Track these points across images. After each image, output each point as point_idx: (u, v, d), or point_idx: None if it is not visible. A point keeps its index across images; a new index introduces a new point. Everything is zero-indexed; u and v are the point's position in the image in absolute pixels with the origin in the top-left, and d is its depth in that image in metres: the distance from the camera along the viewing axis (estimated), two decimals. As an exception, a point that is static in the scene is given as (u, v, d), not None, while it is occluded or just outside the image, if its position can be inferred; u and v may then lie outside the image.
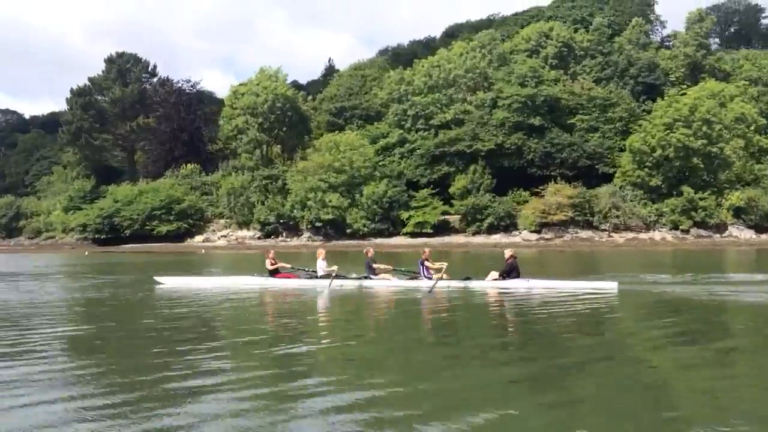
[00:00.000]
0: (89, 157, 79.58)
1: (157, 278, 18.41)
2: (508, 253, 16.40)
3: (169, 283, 18.08)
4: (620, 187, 47.29)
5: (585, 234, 45.99)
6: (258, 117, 62.68)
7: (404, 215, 52.24)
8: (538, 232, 46.98)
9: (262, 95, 62.67)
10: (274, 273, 17.43)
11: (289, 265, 18.41)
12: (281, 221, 55.24)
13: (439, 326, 10.58)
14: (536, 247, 44.12)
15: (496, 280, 15.67)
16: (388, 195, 51.87)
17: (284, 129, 64.52)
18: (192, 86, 76.37)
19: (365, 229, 51.69)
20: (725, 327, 10.22)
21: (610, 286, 14.71)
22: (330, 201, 51.51)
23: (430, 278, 15.96)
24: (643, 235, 44.41)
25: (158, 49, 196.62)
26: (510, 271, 15.70)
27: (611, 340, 8.94)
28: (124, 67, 78.47)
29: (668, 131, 44.64)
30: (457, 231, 52.19)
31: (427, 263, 16.47)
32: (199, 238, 59.40)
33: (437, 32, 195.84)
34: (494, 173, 52.77)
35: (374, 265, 16.98)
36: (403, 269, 17.72)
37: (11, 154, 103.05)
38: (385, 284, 16.41)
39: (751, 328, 9.70)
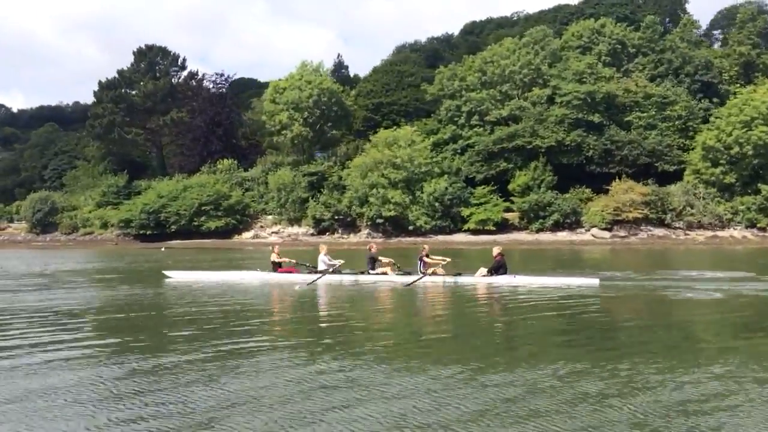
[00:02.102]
0: (116, 152, 78.04)
1: (166, 272, 19.71)
2: (496, 251, 17.56)
3: (177, 276, 19.32)
4: (693, 185, 47.13)
5: (659, 232, 45.80)
6: (302, 112, 61.73)
7: (465, 212, 51.73)
8: (609, 229, 46.71)
9: (306, 90, 61.75)
10: (277, 267, 18.74)
11: (294, 261, 19.73)
12: (337, 218, 54.43)
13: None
14: (609, 245, 43.89)
15: (484, 276, 16.90)
16: (449, 192, 51.30)
17: (329, 124, 63.70)
18: (225, 79, 75.15)
19: (426, 226, 51.11)
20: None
21: (591, 282, 15.96)
22: (392, 198, 50.80)
23: (426, 274, 17.12)
24: (722, 233, 44.37)
25: (133, 43, 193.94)
26: (498, 267, 16.93)
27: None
28: (154, 60, 76.98)
29: (746, 129, 44.64)
30: (516, 228, 51.81)
31: (425, 259, 17.53)
32: (247, 235, 58.39)
33: (435, 30, 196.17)
34: (553, 170, 52.47)
35: (376, 260, 18.24)
36: (397, 266, 18.58)
37: (24, 148, 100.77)
38: (382, 279, 17.53)
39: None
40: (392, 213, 50.95)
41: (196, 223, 58.06)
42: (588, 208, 49.43)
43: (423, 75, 72.65)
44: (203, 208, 57.94)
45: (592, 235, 46.53)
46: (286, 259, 19.71)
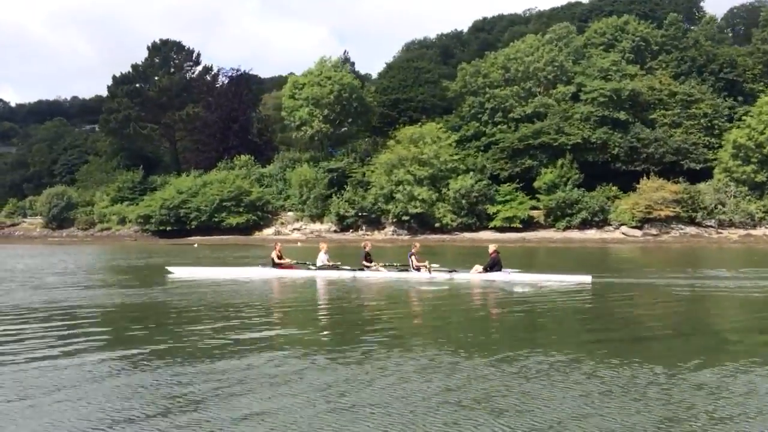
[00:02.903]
0: (128, 147, 77.39)
1: (169, 268, 20.30)
2: (492, 248, 18.08)
3: (179, 273, 19.74)
4: (724, 183, 46.96)
5: (691, 230, 45.64)
6: (323, 108, 61.25)
7: (491, 210, 51.47)
8: (639, 227, 46.51)
9: (327, 86, 61.26)
10: (277, 264, 19.49)
11: (293, 261, 20.34)
12: (361, 214, 54.06)
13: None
14: (641, 243, 43.72)
15: (480, 272, 17.47)
16: (475, 189, 51.00)
17: (349, 120, 63.32)
18: (241, 75, 74.54)
19: (452, 223, 50.82)
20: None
21: (584, 280, 16.40)
22: (419, 195, 50.46)
23: (418, 270, 18.08)
24: (755, 232, 44.24)
25: (123, 38, 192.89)
26: (493, 265, 17.52)
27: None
28: (168, 55, 76.32)
29: (780, 127, 44.58)
30: (542, 226, 51.58)
31: (413, 257, 18.38)
32: (268, 231, 57.96)
33: (431, 27, 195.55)
34: (579, 168, 52.23)
35: (368, 258, 19.05)
36: (396, 264, 19.43)
37: (33, 142, 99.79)
38: (377, 275, 18.35)
39: None
40: (418, 210, 50.61)
41: (216, 219, 57.63)
42: (616, 205, 49.22)
43: (439, 71, 72.51)
44: (224, 204, 57.50)
45: (623, 233, 46.34)
46: (287, 260, 20.25)
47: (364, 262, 18.96)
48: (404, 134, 53.77)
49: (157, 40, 76.44)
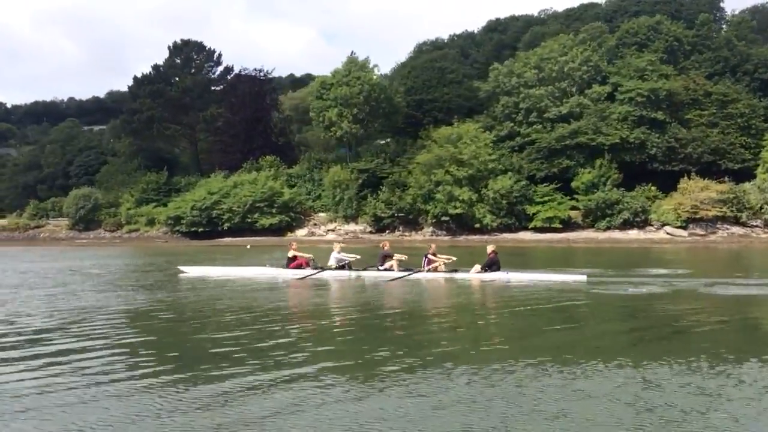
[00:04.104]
0: (147, 148, 76.76)
1: (181, 267, 20.81)
2: (490, 248, 18.68)
3: (192, 272, 20.28)
4: (769, 183, 46.96)
5: (737, 230, 45.55)
6: (352, 108, 60.83)
7: (530, 210, 51.24)
8: (684, 228, 46.39)
9: (356, 86, 60.84)
10: (290, 263, 19.85)
11: (310, 256, 20.78)
12: (398, 215, 53.68)
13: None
14: (689, 244, 43.55)
15: (479, 272, 17.99)
16: (514, 189, 50.77)
17: (378, 120, 62.96)
18: (264, 75, 74.06)
19: (493, 224, 50.54)
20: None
21: (579, 278, 16.88)
22: (459, 195, 50.15)
23: (430, 270, 18.51)
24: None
25: (110, 38, 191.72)
26: (491, 264, 18.10)
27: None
28: (189, 55, 75.77)
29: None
30: (580, 226, 51.40)
31: (430, 257, 18.77)
32: (301, 232, 57.50)
33: (424, 29, 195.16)
34: (618, 168, 52.09)
35: (386, 258, 19.42)
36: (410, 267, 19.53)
37: (45, 143, 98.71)
38: (388, 275, 18.55)
39: None
40: (459, 211, 50.28)
41: (249, 221, 57.11)
42: (657, 206, 49.09)
43: (462, 71, 72.29)
44: (257, 205, 57.01)
45: (667, 233, 46.18)
46: (304, 255, 20.67)
47: (380, 267, 19.37)
48: (442, 134, 53.39)
49: (179, 41, 76.03)
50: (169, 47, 75.60)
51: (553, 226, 50.01)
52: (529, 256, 34.22)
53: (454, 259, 19.13)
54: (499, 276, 17.68)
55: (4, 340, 9.94)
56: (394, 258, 19.38)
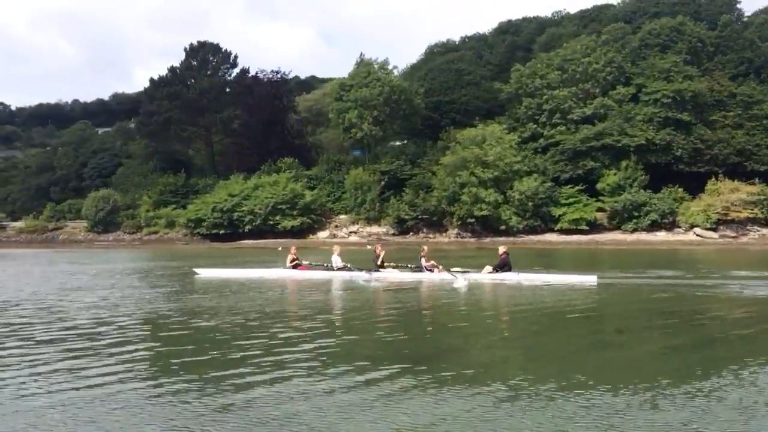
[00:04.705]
0: (162, 150, 76.46)
1: (195, 269, 21.40)
2: (501, 249, 18.95)
3: (204, 273, 20.72)
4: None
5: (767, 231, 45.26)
6: (372, 110, 60.52)
7: (556, 212, 50.93)
8: (714, 229, 46.06)
9: (376, 87, 60.55)
10: (295, 266, 20.40)
11: (307, 262, 21.33)
12: (422, 217, 53.34)
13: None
14: (721, 246, 43.18)
15: (490, 272, 18.24)
16: (540, 191, 50.45)
17: (397, 122, 62.68)
18: (281, 77, 73.77)
19: (519, 226, 50.22)
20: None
21: (590, 280, 16.98)
22: (485, 197, 49.82)
23: (431, 271, 18.83)
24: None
25: (107, 39, 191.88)
26: (503, 265, 18.33)
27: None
28: (206, 57, 75.47)
29: None
30: (606, 228, 51.07)
31: (423, 260, 19.18)
32: (322, 234, 57.20)
33: (422, 31, 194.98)
34: (644, 170, 51.79)
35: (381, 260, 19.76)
36: (409, 265, 20.16)
37: (57, 145, 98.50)
38: (392, 276, 19.11)
39: None
40: (485, 212, 49.95)
41: (271, 223, 56.79)
42: (685, 207, 48.76)
43: (480, 73, 72.04)
44: (278, 207, 56.70)
45: (697, 235, 45.83)
46: (305, 262, 21.28)
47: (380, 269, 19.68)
48: (466, 136, 53.09)
49: (195, 42, 75.67)
50: (185, 49, 75.30)
51: (579, 228, 49.68)
52: (554, 257, 33.95)
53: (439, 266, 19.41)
54: (510, 277, 17.89)
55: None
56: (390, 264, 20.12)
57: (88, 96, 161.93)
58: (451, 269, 18.95)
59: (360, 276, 19.16)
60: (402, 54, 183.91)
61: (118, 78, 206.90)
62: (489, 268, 18.41)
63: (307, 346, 9.37)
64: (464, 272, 18.49)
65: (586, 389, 6.82)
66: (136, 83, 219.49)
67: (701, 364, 8.05)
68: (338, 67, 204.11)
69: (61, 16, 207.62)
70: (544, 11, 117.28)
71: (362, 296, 16.20)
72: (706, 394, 6.67)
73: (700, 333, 10.57)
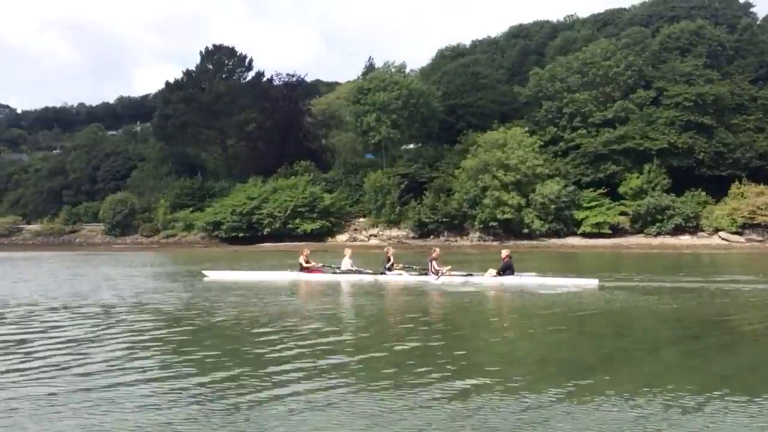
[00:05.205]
0: (177, 153, 76.48)
1: (204, 272, 21.49)
2: (504, 252, 19.05)
3: (213, 276, 20.75)
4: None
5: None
6: (390, 114, 60.38)
7: (578, 215, 50.75)
8: (740, 233, 45.87)
9: (395, 91, 60.42)
10: (305, 269, 20.51)
11: (320, 264, 21.49)
12: (443, 220, 53.18)
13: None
14: (749, 250, 42.94)
15: (493, 276, 18.35)
16: (562, 194, 50.29)
17: (416, 125, 62.56)
18: (297, 80, 73.79)
19: (542, 229, 50.04)
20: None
21: (591, 283, 17.02)
22: (507, 200, 49.67)
23: (436, 274, 18.75)
24: None
25: (112, 44, 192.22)
26: (506, 269, 18.44)
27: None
28: (221, 60, 75.49)
29: None
30: (628, 232, 50.87)
31: (434, 262, 19.10)
32: (341, 237, 57.06)
33: (427, 34, 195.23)
34: (667, 173, 51.62)
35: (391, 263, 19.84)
36: (415, 267, 20.43)
37: (69, 148, 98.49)
38: (399, 279, 19.20)
39: None
40: (507, 216, 49.78)
41: (290, 226, 56.67)
42: (709, 211, 48.59)
43: (495, 76, 71.94)
44: (298, 210, 56.59)
45: (723, 239, 45.63)
46: (318, 264, 21.44)
47: (387, 271, 19.74)
48: (487, 139, 52.96)
49: (210, 46, 75.69)
50: (200, 52, 75.36)
51: (602, 231, 49.49)
52: (576, 261, 33.73)
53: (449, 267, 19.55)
54: (512, 280, 18.03)
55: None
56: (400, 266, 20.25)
57: (90, 99, 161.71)
58: (452, 272, 19.13)
59: (366, 278, 19.54)
60: (405, 58, 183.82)
61: (121, 82, 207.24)
62: (492, 271, 18.59)
63: (301, 354, 9.16)
64: (467, 275, 18.87)
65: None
66: (138, 87, 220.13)
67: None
68: (341, 71, 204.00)
69: (63, 21, 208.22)
70: (554, 15, 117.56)
71: (353, 300, 16.21)
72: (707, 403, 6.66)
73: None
